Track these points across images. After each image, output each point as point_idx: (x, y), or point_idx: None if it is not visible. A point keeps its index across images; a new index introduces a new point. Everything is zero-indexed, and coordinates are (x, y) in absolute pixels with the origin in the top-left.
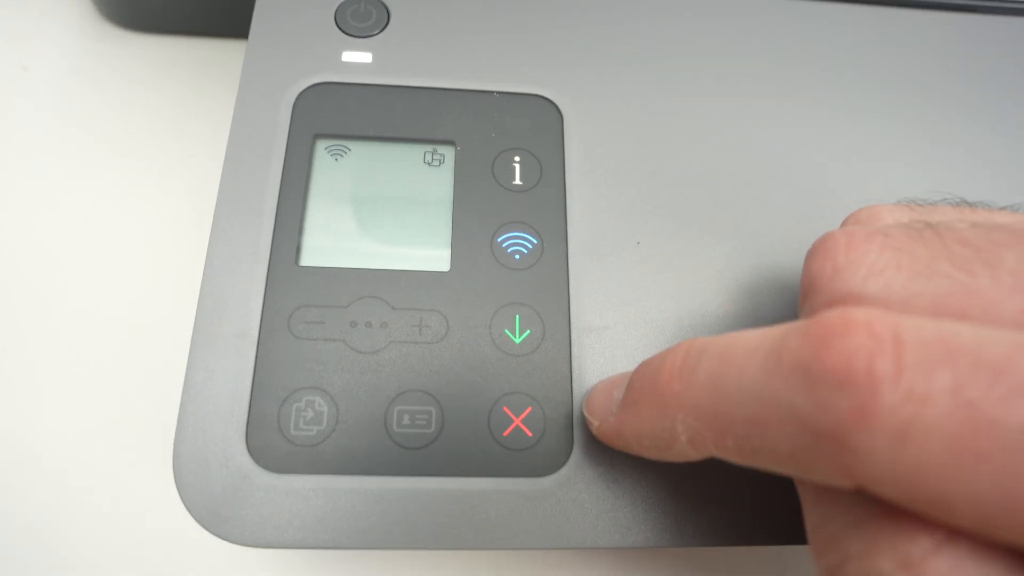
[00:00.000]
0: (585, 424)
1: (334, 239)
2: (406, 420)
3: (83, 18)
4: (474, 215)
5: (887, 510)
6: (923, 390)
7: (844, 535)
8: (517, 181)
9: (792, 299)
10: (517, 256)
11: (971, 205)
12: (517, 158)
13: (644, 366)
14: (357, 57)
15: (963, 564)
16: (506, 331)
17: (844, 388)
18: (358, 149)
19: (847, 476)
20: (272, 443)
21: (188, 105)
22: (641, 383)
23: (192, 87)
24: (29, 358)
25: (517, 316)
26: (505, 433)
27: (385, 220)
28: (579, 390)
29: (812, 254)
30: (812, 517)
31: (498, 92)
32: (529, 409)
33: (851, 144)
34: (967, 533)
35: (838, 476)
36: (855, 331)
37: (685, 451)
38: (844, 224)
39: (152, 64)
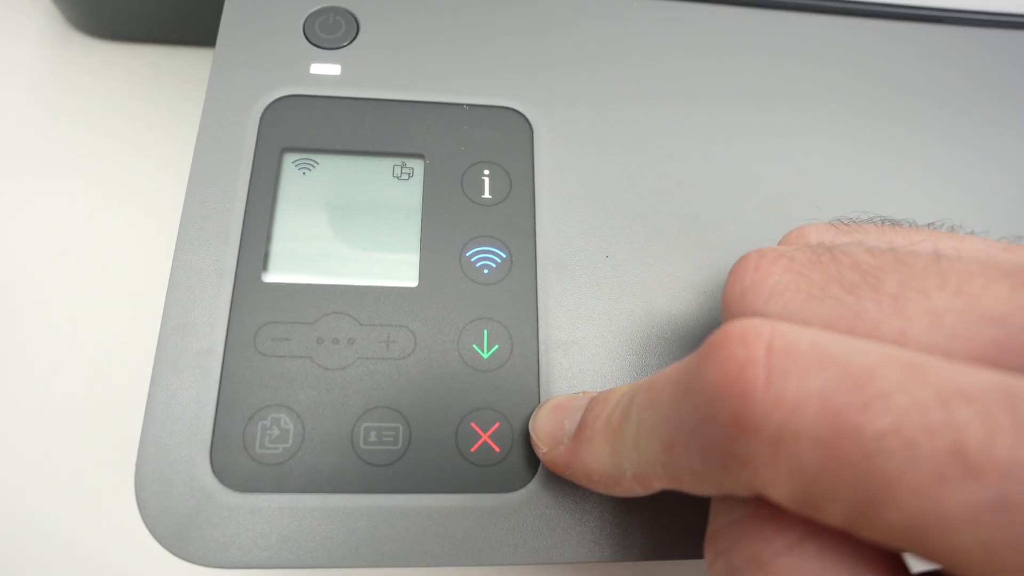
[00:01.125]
0: None
1: (301, 255)
2: (373, 437)
3: (49, 26)
4: (443, 229)
5: (754, 512)
6: (792, 397)
7: (719, 533)
8: (486, 195)
9: None
10: (486, 271)
11: (893, 223)
12: (486, 171)
13: (599, 404)
14: (326, 69)
15: (807, 566)
16: (474, 346)
17: (719, 399)
18: (326, 163)
19: (741, 485)
20: (237, 462)
21: (156, 114)
22: (595, 423)
23: (160, 96)
24: None
25: (485, 331)
26: (472, 449)
27: (353, 235)
28: None
29: (729, 275)
30: (711, 516)
31: (468, 104)
32: (497, 424)
33: (822, 154)
34: (835, 531)
35: (736, 487)
36: (730, 342)
37: (632, 487)
38: (779, 243)
39: (120, 73)
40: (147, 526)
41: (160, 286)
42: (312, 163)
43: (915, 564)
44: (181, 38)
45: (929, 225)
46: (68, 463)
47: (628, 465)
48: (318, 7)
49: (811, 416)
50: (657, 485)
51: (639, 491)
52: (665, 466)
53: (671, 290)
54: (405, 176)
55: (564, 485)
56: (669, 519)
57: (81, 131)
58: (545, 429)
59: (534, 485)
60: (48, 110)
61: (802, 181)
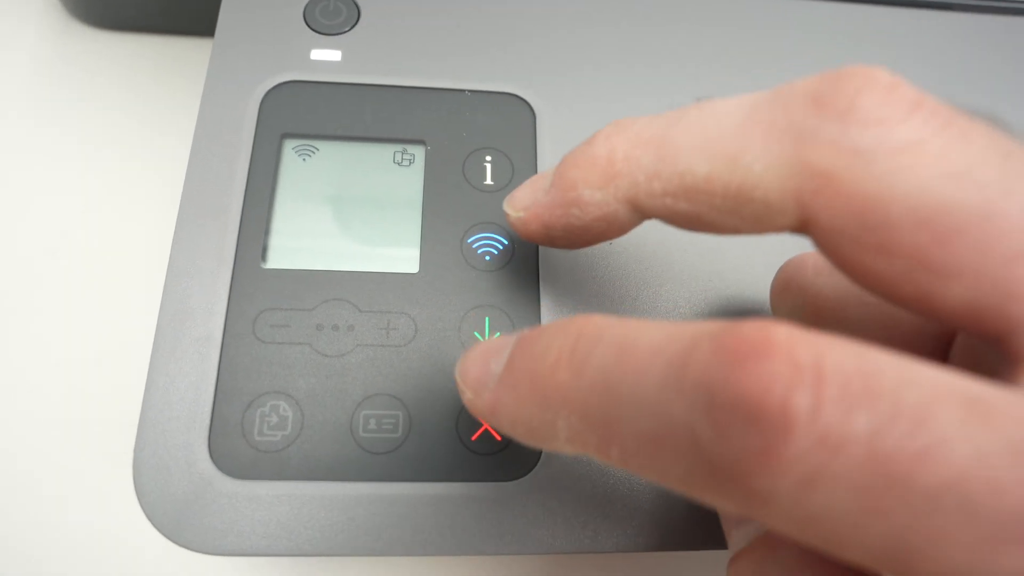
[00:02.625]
0: None
1: (301, 240)
2: (372, 424)
3: (49, 15)
4: (444, 216)
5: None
6: (838, 435)
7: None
8: (488, 181)
9: (766, 297)
10: (487, 257)
11: None
12: (488, 157)
13: (528, 343)
14: (326, 55)
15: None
16: (475, 333)
17: (753, 424)
18: (326, 149)
19: (742, 510)
20: (235, 449)
21: (156, 104)
22: (523, 364)
23: (160, 85)
24: None
25: (487, 318)
26: (473, 437)
27: (353, 221)
28: None
29: None
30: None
31: (470, 90)
32: None
33: None
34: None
35: (732, 507)
36: (774, 356)
37: (562, 447)
38: None
39: (120, 62)
40: (145, 512)
41: (161, 273)
42: (312, 149)
43: None
44: (182, 27)
45: None
46: (67, 450)
47: (564, 426)
48: None
49: (855, 460)
50: (600, 459)
51: (568, 451)
52: (628, 453)
53: (673, 278)
54: (406, 162)
55: (566, 474)
56: (673, 509)
57: (81, 120)
58: (470, 371)
59: (536, 474)
60: (47, 100)
61: None
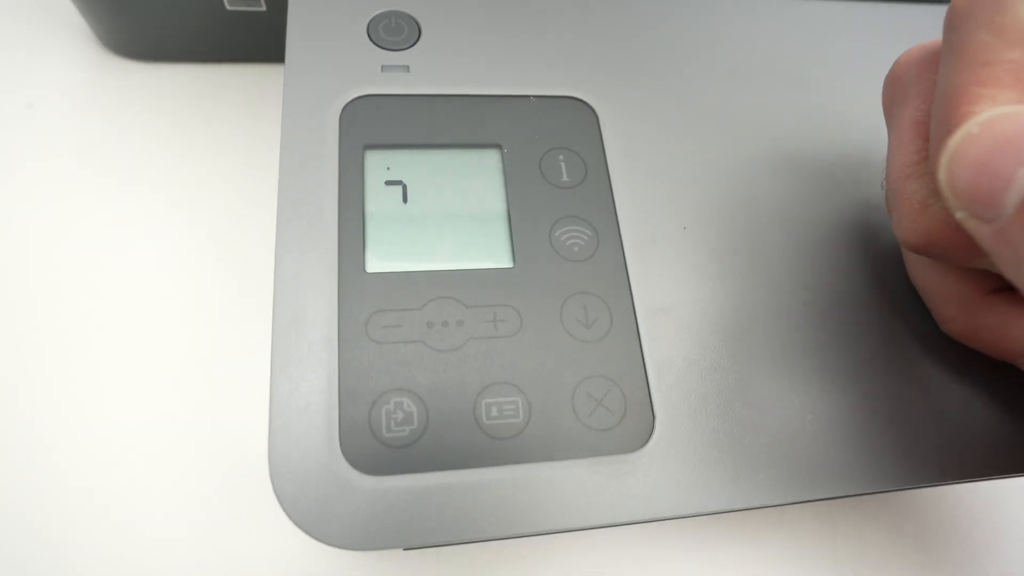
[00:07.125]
0: (664, 398)
1: (400, 244)
2: (495, 412)
3: (85, 50)
4: (529, 212)
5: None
6: None
7: None
8: (565, 178)
9: (846, 270)
10: (576, 248)
11: None
12: (561, 157)
13: None
14: (395, 69)
15: None
16: (576, 319)
17: None
18: (408, 158)
19: None
20: (367, 447)
21: (196, 132)
22: None
23: (199, 113)
24: (82, 400)
25: (584, 304)
26: (589, 415)
27: (445, 223)
28: (652, 368)
29: None
30: None
31: (534, 96)
32: (609, 390)
33: (872, 126)
34: None
35: None
36: None
37: None
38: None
39: (157, 92)
40: (288, 515)
41: (218, 300)
42: (395, 158)
43: None
44: (215, 56)
45: None
46: (195, 460)
47: None
48: (378, 12)
49: None
50: None
51: None
52: None
53: (749, 254)
54: (485, 166)
55: (680, 441)
56: (786, 463)
57: (124, 153)
58: (969, 181)
59: (652, 444)
60: (89, 134)
61: (869, 147)
